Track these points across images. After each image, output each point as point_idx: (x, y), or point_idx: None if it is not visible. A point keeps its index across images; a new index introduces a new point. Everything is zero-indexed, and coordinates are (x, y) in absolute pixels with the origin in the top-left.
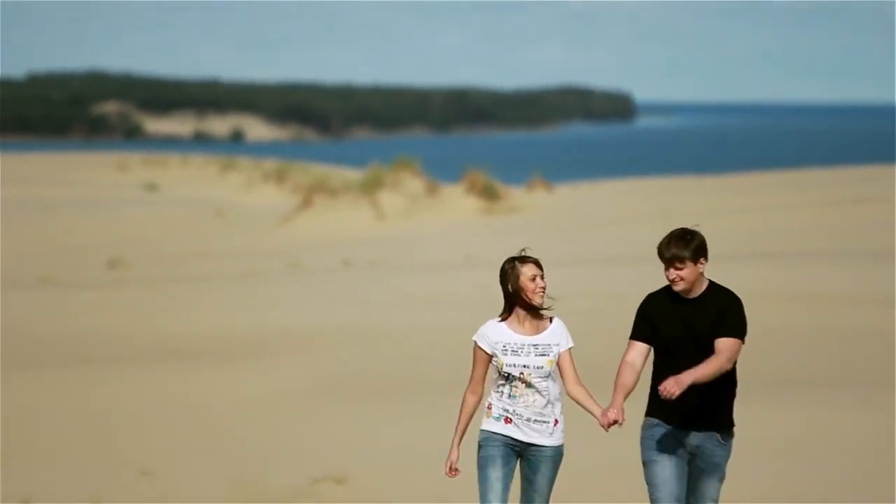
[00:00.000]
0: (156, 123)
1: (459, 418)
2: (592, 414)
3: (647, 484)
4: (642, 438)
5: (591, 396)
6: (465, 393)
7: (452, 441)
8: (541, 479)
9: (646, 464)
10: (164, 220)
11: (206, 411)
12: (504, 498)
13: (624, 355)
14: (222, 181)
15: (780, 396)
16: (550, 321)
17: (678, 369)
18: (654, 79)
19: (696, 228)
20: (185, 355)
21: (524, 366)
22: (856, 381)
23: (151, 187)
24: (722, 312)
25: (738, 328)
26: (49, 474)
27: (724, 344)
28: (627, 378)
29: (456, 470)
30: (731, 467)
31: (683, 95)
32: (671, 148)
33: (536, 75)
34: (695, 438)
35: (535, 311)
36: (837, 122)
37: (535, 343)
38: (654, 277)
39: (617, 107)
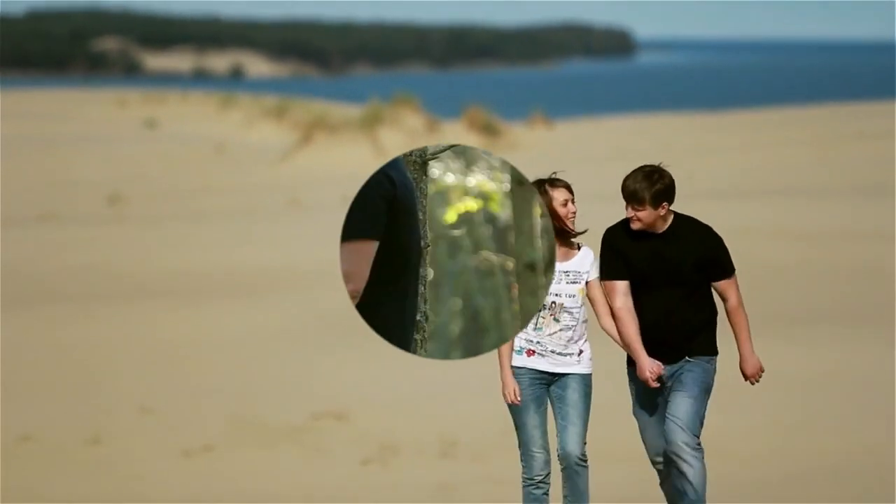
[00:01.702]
0: (156, 60)
1: (501, 348)
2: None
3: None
4: (629, 386)
5: None
6: None
7: (502, 372)
8: (572, 394)
9: (634, 414)
10: (164, 156)
11: (206, 348)
12: (546, 445)
13: (612, 301)
14: (222, 118)
15: (781, 332)
16: (578, 248)
17: (654, 308)
18: (654, 15)
19: (666, 168)
20: (184, 291)
21: (556, 294)
22: (856, 316)
23: (151, 124)
24: (707, 250)
25: (730, 264)
26: (48, 412)
27: (729, 288)
28: (632, 328)
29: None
30: (727, 403)
31: (683, 31)
32: (671, 84)
33: (536, 11)
34: (671, 369)
35: (565, 237)
36: (837, 59)
37: (566, 270)
38: None
39: (617, 43)
